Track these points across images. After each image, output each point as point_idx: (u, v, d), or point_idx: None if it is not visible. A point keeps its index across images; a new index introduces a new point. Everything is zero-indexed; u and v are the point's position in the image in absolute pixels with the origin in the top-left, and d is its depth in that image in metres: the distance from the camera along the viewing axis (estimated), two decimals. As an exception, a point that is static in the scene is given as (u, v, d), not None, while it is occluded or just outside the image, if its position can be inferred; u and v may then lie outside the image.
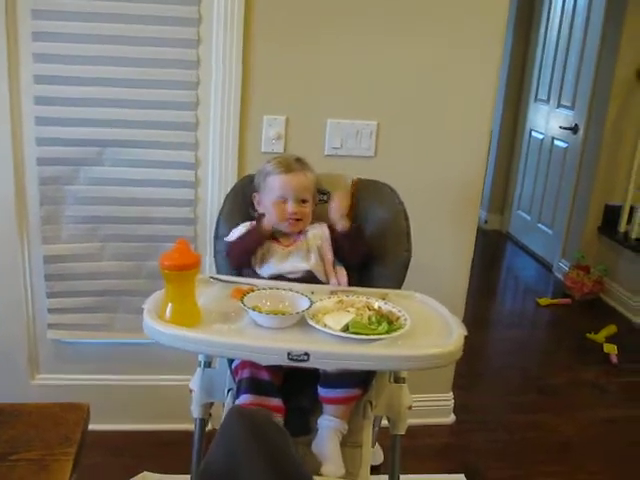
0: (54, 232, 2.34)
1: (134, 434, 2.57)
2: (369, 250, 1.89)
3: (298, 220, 1.87)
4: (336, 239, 1.87)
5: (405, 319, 1.54)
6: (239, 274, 1.85)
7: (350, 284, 1.83)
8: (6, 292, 2.40)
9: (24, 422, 1.27)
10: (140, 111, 2.26)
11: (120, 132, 2.27)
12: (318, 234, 1.89)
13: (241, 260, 1.86)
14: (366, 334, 1.46)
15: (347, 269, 1.88)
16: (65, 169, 2.29)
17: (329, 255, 1.86)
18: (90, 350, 2.52)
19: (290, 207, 1.85)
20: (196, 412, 1.79)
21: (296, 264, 1.82)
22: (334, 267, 1.86)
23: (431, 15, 2.29)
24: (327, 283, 1.82)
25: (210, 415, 1.86)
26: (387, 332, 1.48)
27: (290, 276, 1.80)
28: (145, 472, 2.36)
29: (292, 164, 1.89)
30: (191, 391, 1.79)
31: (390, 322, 1.53)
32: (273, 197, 1.86)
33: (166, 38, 2.20)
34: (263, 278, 1.80)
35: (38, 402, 1.35)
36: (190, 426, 1.89)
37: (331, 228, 1.89)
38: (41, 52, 2.17)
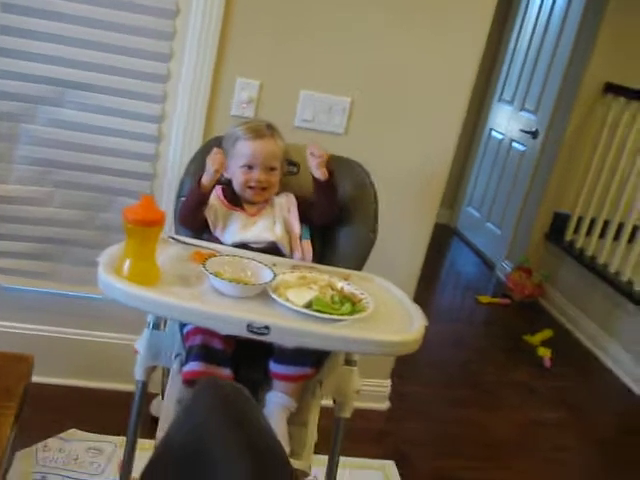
0: (4, 171, 2.22)
1: (70, 390, 2.50)
2: (340, 211, 1.85)
3: (264, 189, 1.82)
4: (309, 200, 1.84)
5: (367, 302, 1.51)
6: (199, 239, 1.79)
7: (313, 259, 1.79)
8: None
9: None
10: (110, 55, 2.16)
11: (85, 75, 2.16)
12: (285, 204, 1.84)
13: (186, 221, 1.81)
14: (329, 313, 1.42)
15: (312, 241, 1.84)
16: (22, 106, 2.17)
17: (296, 227, 1.82)
18: (32, 299, 2.41)
19: (257, 175, 1.80)
20: (139, 374, 1.71)
21: (260, 234, 1.77)
22: (300, 241, 1.81)
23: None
24: (290, 257, 1.78)
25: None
26: (350, 313, 1.44)
27: (253, 246, 1.74)
28: (74, 429, 2.29)
29: (262, 130, 1.83)
30: (136, 352, 1.72)
31: (353, 303, 1.49)
32: (240, 163, 1.81)
33: (146, -17, 2.10)
34: (225, 245, 1.74)
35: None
36: (128, 387, 1.83)
37: (298, 199, 1.85)
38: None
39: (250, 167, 1.80)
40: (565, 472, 2.73)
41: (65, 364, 2.50)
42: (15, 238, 2.29)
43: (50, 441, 2.22)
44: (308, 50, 2.27)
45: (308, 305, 1.44)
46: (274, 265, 1.60)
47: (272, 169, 1.82)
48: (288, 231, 1.81)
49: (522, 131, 4.78)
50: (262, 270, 1.54)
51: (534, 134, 4.62)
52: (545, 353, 3.63)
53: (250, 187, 1.81)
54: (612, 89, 4.14)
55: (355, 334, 1.39)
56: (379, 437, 2.68)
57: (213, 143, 1.95)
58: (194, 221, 1.79)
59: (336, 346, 1.45)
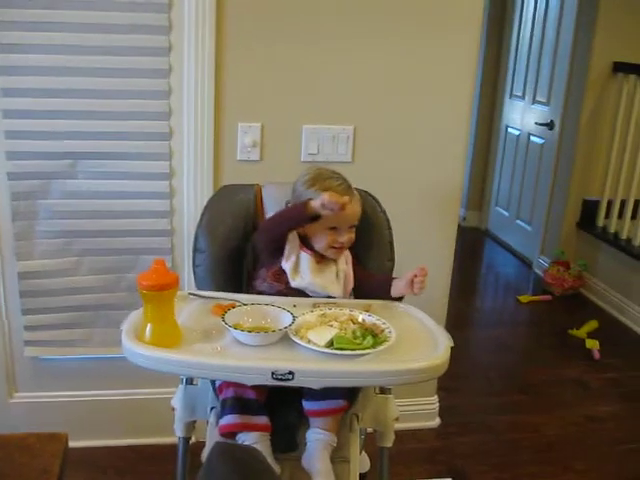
0: (28, 248, 2.28)
1: (116, 449, 2.53)
2: None
3: (344, 247, 1.79)
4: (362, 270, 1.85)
5: (390, 332, 1.52)
6: (249, 278, 1.82)
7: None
8: (-20, 310, 2.34)
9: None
10: (111, 122, 2.20)
11: (92, 144, 2.22)
12: (343, 259, 1.82)
13: (271, 239, 1.73)
14: (351, 349, 1.43)
15: None
16: (37, 183, 2.23)
17: (350, 285, 1.81)
18: (69, 366, 2.46)
19: (343, 236, 1.75)
20: (179, 431, 1.75)
21: (326, 284, 1.75)
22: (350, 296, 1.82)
23: (405, 17, 2.27)
24: None
25: (194, 427, 1.82)
26: (372, 346, 1.45)
27: (311, 294, 1.74)
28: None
29: (349, 192, 1.76)
30: (173, 409, 1.75)
31: (374, 335, 1.50)
32: (327, 225, 1.73)
33: (136, 47, 2.15)
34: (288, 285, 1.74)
35: (12, 432, 1.30)
36: (172, 439, 1.86)
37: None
38: (7, 64, 2.11)
39: (335, 228, 1.75)
40: (628, 467, 2.66)
41: (108, 425, 2.54)
42: (46, 310, 2.34)
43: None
44: (304, 85, 2.29)
45: (330, 344, 1.45)
46: (294, 306, 1.61)
47: (353, 227, 1.78)
48: (345, 287, 1.80)
49: (537, 124, 4.74)
50: (281, 315, 1.55)
51: (550, 125, 4.58)
52: (593, 345, 3.56)
53: (334, 247, 1.76)
54: (621, 68, 4.10)
55: (379, 367, 1.39)
56: (432, 456, 2.66)
57: (223, 191, 1.98)
58: (279, 241, 1.73)
59: (362, 382, 1.46)
